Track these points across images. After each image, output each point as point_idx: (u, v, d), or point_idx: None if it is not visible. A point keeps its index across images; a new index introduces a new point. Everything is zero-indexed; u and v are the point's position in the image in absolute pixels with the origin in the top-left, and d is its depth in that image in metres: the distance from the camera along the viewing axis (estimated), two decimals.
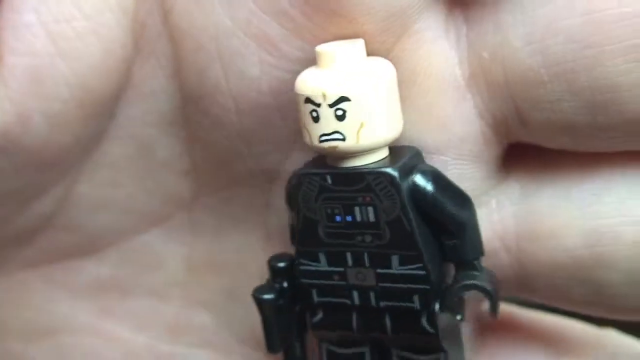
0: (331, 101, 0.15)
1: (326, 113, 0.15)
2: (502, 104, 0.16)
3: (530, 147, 0.17)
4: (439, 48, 0.16)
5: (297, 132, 0.17)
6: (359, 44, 0.16)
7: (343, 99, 0.15)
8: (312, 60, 0.16)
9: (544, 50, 0.15)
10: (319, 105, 0.15)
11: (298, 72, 0.16)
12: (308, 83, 0.15)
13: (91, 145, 0.20)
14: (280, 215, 0.19)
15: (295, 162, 0.18)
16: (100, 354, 0.22)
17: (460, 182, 0.16)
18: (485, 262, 0.17)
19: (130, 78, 0.19)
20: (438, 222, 0.16)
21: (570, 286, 0.17)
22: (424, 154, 0.17)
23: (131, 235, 0.22)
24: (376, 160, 0.16)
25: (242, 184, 0.20)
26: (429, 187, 0.16)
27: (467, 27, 0.16)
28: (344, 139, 0.15)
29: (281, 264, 0.18)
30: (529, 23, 0.15)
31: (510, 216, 0.17)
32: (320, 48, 0.15)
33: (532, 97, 0.16)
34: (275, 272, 0.18)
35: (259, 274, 0.20)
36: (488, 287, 0.16)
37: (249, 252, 0.20)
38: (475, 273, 0.16)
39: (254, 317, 0.19)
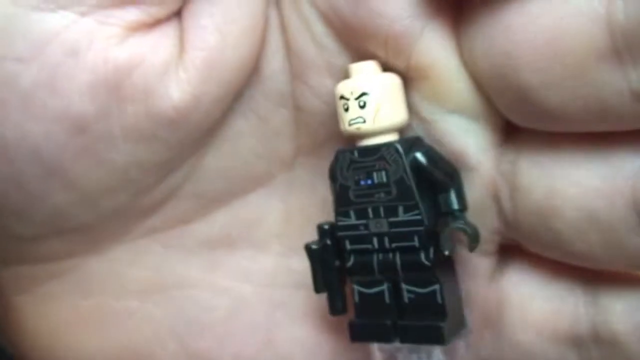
0: (356, 95, 0.22)
1: (353, 104, 0.22)
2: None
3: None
4: (440, 54, 0.21)
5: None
6: (374, 64, 0.22)
7: (364, 94, 0.22)
8: None
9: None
10: (348, 99, 0.22)
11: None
12: (341, 86, 0.22)
13: (221, 119, 0.23)
14: None
15: None
16: (211, 303, 0.24)
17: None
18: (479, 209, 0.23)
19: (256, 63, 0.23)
20: (432, 182, 0.22)
21: (538, 231, 0.21)
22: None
23: (240, 196, 0.24)
24: (388, 140, 0.22)
25: (333, 141, 0.23)
26: (424, 158, 0.22)
27: (460, 36, 0.21)
28: (364, 122, 0.22)
29: (326, 226, 0.24)
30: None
31: (500, 175, 0.22)
32: (350, 65, 0.22)
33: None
34: (321, 232, 0.24)
35: None
36: (468, 229, 0.22)
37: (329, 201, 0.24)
38: (461, 221, 0.23)
39: None
